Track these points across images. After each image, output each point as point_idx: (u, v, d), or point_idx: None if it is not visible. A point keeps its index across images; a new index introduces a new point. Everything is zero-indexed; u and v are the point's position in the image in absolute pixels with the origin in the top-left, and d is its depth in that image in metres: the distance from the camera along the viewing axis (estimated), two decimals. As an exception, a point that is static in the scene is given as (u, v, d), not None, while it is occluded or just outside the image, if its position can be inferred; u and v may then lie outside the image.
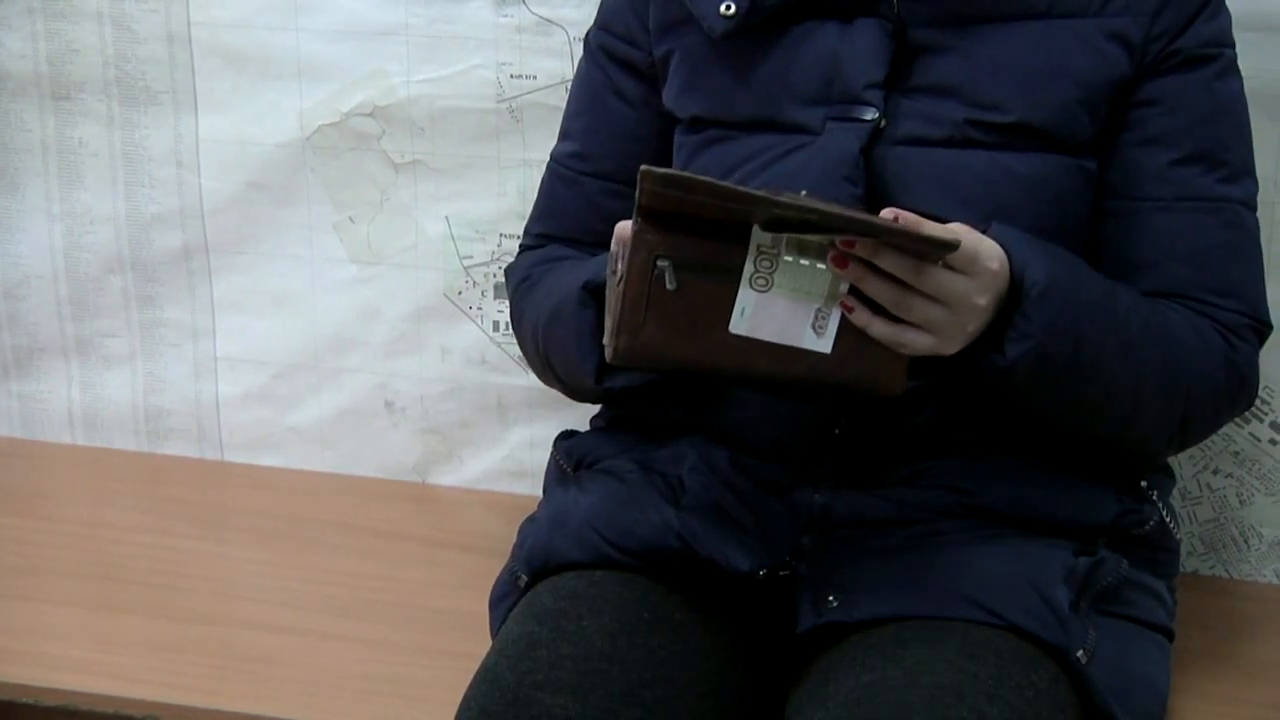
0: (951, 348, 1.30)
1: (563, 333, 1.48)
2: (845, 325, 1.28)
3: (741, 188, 1.23)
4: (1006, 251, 1.32)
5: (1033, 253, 1.33)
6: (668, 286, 1.25)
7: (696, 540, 1.43)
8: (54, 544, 1.92)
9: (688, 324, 1.27)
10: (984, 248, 1.30)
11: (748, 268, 1.25)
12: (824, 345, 1.28)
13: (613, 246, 1.35)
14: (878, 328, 1.27)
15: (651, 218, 1.26)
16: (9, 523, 1.97)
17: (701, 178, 1.22)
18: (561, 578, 1.46)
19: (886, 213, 1.27)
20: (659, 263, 1.25)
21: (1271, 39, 1.66)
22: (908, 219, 1.26)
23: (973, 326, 1.30)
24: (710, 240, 1.26)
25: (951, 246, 1.25)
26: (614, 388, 1.45)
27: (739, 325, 1.27)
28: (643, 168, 1.22)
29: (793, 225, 1.24)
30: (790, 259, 1.26)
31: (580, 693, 1.32)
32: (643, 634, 1.39)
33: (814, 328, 1.28)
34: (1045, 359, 1.33)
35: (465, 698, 1.36)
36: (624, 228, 1.31)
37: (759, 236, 1.25)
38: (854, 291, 1.27)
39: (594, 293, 1.44)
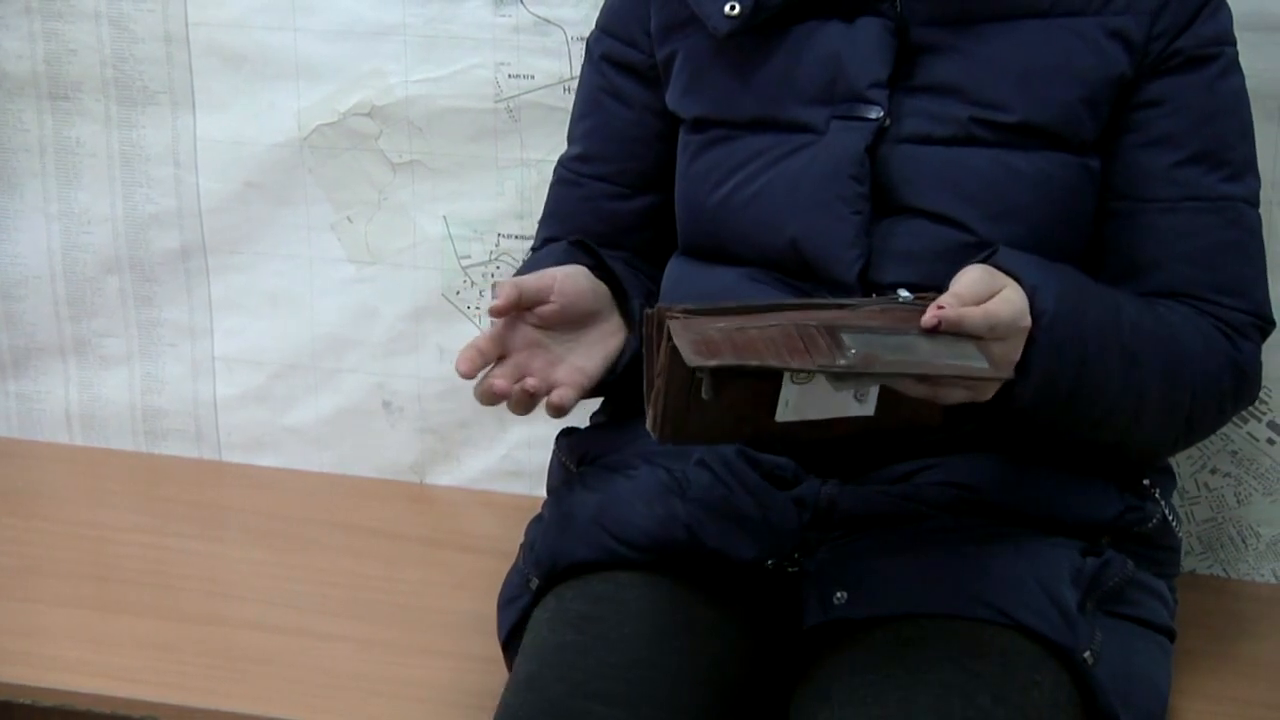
0: (987, 396, 1.29)
1: None
2: (884, 386, 1.27)
3: (777, 364, 1.21)
4: (1016, 277, 1.31)
5: (1041, 277, 1.32)
6: (704, 397, 1.23)
7: (703, 532, 1.43)
8: (51, 544, 1.92)
9: (733, 419, 1.27)
10: (1016, 309, 1.28)
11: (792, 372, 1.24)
12: (867, 409, 1.28)
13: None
14: (918, 391, 1.26)
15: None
16: (6, 523, 1.97)
17: (743, 364, 1.20)
18: (586, 581, 1.45)
19: (928, 318, 1.23)
20: (697, 374, 1.23)
21: (1271, 39, 1.66)
22: (949, 322, 1.23)
23: (1008, 374, 1.30)
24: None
25: (995, 379, 1.25)
26: (619, 372, 1.46)
27: (784, 414, 1.26)
28: (688, 361, 1.20)
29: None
30: None
31: (629, 703, 1.32)
32: (677, 637, 1.39)
33: (856, 397, 1.27)
34: (1051, 381, 1.32)
35: (505, 704, 1.36)
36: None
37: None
38: None
39: None
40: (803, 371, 1.22)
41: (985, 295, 1.28)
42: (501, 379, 1.37)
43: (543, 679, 1.35)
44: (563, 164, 1.66)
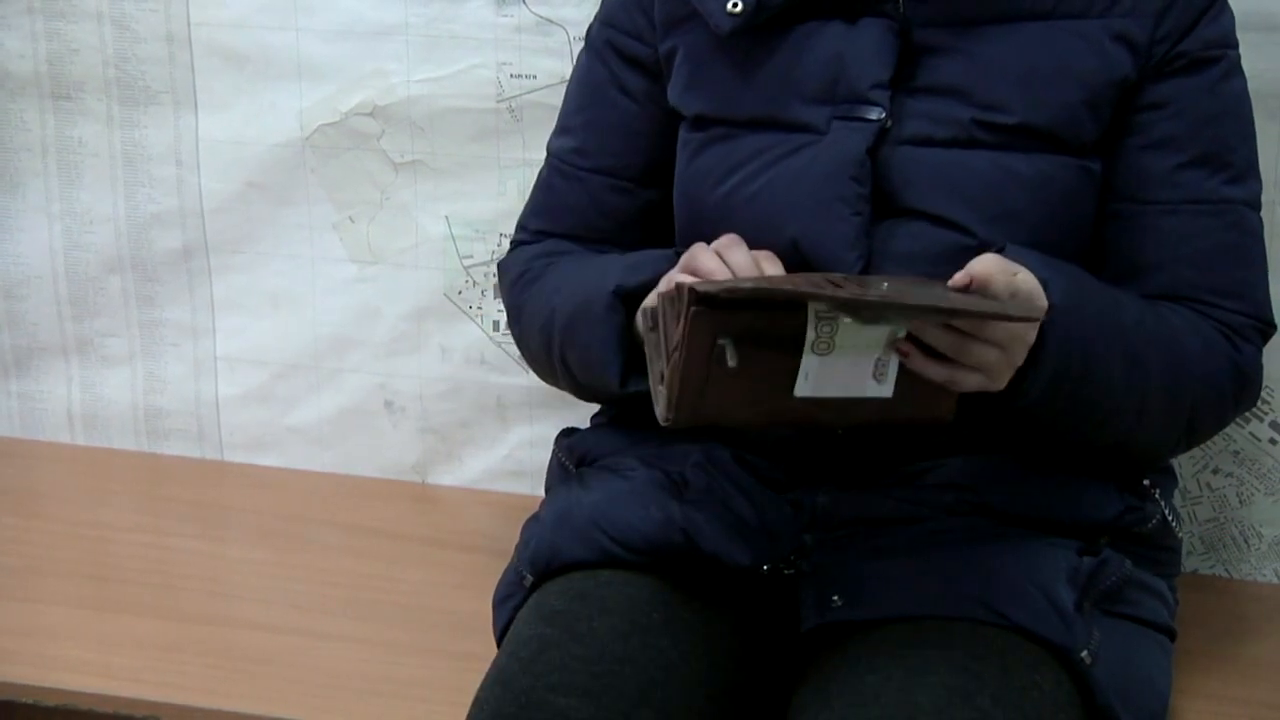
0: (1001, 383, 1.30)
1: (586, 335, 1.47)
2: (902, 366, 1.28)
3: (802, 290, 1.21)
4: None
5: (1048, 273, 1.33)
6: (729, 364, 1.23)
7: (700, 535, 1.43)
8: (54, 544, 1.92)
9: (751, 394, 1.26)
10: (1035, 288, 1.30)
11: (809, 334, 1.24)
12: (885, 390, 1.28)
13: (651, 299, 1.35)
14: (934, 371, 1.27)
15: (706, 299, 1.23)
16: (9, 523, 1.97)
17: (761, 286, 1.21)
18: (569, 578, 1.45)
19: (959, 276, 1.25)
20: (719, 341, 1.23)
21: (1272, 39, 1.66)
22: (979, 280, 1.25)
23: (1020, 361, 1.30)
24: (766, 310, 1.24)
25: (1029, 319, 1.26)
26: (639, 390, 1.44)
27: (803, 389, 1.26)
28: (694, 292, 1.21)
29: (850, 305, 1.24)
30: (849, 319, 1.25)
31: (593, 695, 1.32)
32: (654, 635, 1.39)
33: (875, 376, 1.27)
34: (1056, 377, 1.33)
35: (476, 700, 1.36)
36: (666, 280, 1.32)
37: (817, 304, 1.24)
38: (909, 335, 1.27)
39: (624, 298, 1.44)
40: (832, 303, 1.21)
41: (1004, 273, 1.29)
42: None
43: (510, 672, 1.35)
44: (557, 157, 1.64)
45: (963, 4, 1.45)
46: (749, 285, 1.20)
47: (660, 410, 1.28)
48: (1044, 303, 1.30)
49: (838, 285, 1.24)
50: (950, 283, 1.26)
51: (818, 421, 1.30)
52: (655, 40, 1.56)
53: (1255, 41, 1.56)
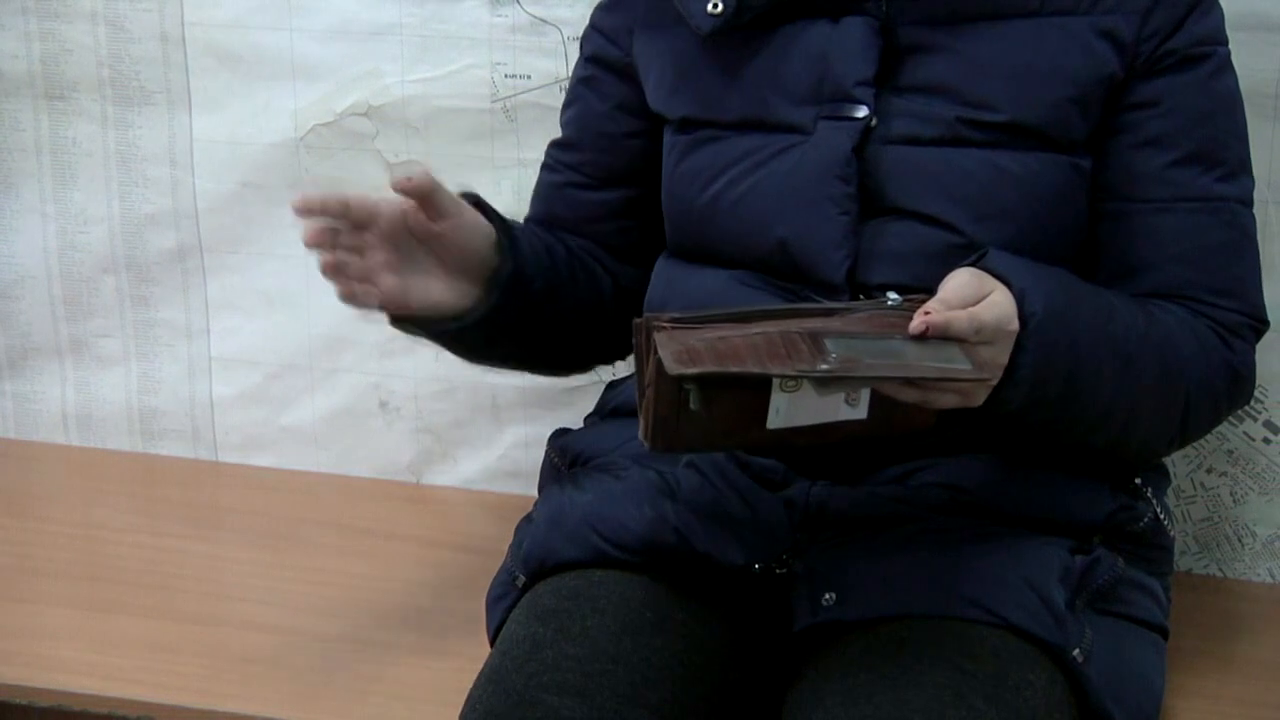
0: (979, 401, 1.29)
1: None
2: (875, 390, 1.27)
3: (758, 370, 1.21)
4: (1006, 280, 1.31)
5: (1031, 280, 1.32)
6: (693, 408, 1.24)
7: (693, 534, 1.43)
8: (48, 544, 1.92)
9: (725, 426, 1.27)
10: (1003, 312, 1.28)
11: (775, 381, 1.24)
12: (859, 413, 1.28)
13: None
14: (907, 395, 1.26)
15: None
16: (3, 523, 1.97)
17: (724, 370, 1.21)
18: (561, 577, 1.46)
19: (916, 323, 1.23)
20: (685, 387, 1.23)
21: (1261, 38, 1.66)
22: (936, 328, 1.23)
23: (996, 380, 1.30)
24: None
25: (979, 380, 1.25)
26: (466, 324, 1.46)
27: (775, 422, 1.26)
28: (669, 370, 1.21)
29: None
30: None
31: (587, 694, 1.32)
32: (646, 634, 1.39)
33: (847, 401, 1.27)
34: (1041, 385, 1.32)
35: (469, 699, 1.36)
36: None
37: (776, 379, 1.24)
38: None
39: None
40: (786, 377, 1.22)
41: (972, 299, 1.27)
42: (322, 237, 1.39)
43: (503, 671, 1.35)
44: (548, 149, 1.67)
45: (947, 2, 1.45)
46: (694, 371, 1.20)
47: (641, 435, 1.29)
48: (1014, 326, 1.28)
49: (789, 354, 1.23)
50: (910, 328, 1.24)
51: (799, 444, 1.31)
52: (630, 45, 1.57)
53: (1247, 40, 1.56)
